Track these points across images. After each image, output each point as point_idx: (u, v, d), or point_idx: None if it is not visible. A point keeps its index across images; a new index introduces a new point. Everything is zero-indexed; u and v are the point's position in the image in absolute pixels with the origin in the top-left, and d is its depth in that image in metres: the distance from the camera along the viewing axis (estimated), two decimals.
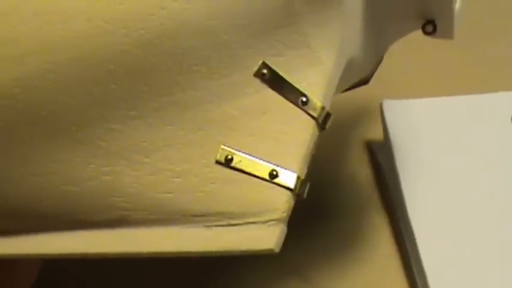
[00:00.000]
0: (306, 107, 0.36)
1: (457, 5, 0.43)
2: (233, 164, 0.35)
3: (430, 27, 0.43)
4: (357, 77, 0.45)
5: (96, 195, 0.36)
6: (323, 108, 0.37)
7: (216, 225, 0.36)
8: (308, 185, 0.37)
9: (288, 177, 0.36)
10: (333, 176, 0.57)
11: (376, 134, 0.58)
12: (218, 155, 0.35)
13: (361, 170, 0.58)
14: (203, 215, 0.36)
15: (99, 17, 0.33)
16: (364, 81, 0.46)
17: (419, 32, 0.44)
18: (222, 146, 0.35)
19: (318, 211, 0.54)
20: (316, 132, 0.37)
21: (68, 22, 0.33)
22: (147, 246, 0.36)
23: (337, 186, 0.56)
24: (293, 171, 0.36)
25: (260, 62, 0.35)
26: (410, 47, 0.52)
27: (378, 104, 0.57)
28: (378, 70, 0.47)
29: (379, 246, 0.52)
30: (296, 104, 0.36)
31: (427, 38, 0.44)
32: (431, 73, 0.66)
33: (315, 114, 0.36)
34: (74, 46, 0.33)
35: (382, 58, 0.46)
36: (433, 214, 0.49)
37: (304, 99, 0.36)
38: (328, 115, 0.37)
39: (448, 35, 0.44)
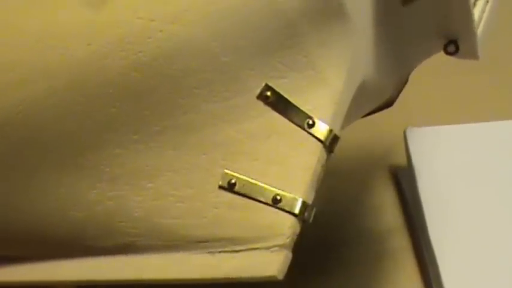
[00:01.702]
0: (312, 130, 0.35)
1: (482, 25, 0.42)
2: (236, 188, 0.35)
3: (452, 47, 0.42)
4: (378, 99, 0.43)
5: (102, 220, 0.36)
6: (330, 131, 0.36)
7: (220, 251, 0.35)
8: (314, 210, 0.35)
9: (293, 202, 0.35)
10: (358, 201, 0.56)
11: (401, 160, 0.58)
12: (221, 180, 0.35)
13: (385, 195, 0.57)
14: (207, 241, 0.35)
15: (98, 41, 0.33)
16: (389, 104, 0.45)
17: (442, 58, 0.43)
18: (225, 170, 0.35)
19: (342, 236, 0.53)
20: (324, 156, 0.36)
21: (69, 47, 0.33)
22: (152, 273, 0.36)
23: (362, 212, 0.56)
24: (298, 196, 0.35)
25: (263, 84, 0.35)
26: (433, 74, 0.52)
27: (402, 131, 0.57)
28: (401, 97, 0.46)
29: (402, 271, 0.51)
30: (302, 127, 0.35)
31: (450, 65, 0.43)
32: (455, 100, 0.66)
33: (321, 137, 0.35)
34: (73, 70, 0.33)
35: (407, 80, 0.45)
36: (456, 240, 0.48)
37: (310, 121, 0.35)
38: (335, 138, 0.36)
39: (472, 54, 0.42)
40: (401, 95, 0.46)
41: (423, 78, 0.49)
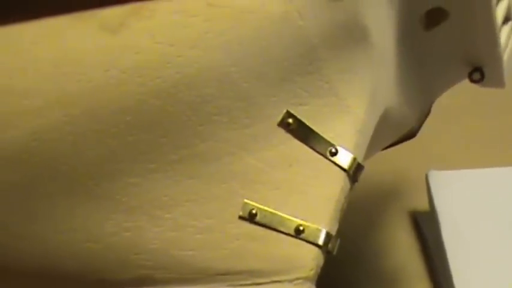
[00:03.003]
0: (335, 159, 0.34)
1: (507, 52, 0.41)
2: (257, 219, 0.34)
3: (477, 74, 0.41)
4: (400, 130, 0.42)
5: (118, 252, 0.35)
6: (354, 159, 0.34)
7: (240, 285, 0.34)
8: (339, 241, 0.34)
9: (316, 233, 0.33)
10: (377, 246, 0.55)
11: (420, 204, 0.57)
12: (241, 210, 0.34)
13: (405, 239, 0.57)
14: (227, 274, 0.34)
15: (115, 66, 0.32)
16: (410, 135, 0.44)
17: (465, 100, 0.42)
18: (246, 200, 0.34)
19: (361, 280, 0.52)
20: (348, 185, 0.35)
21: (85, 73, 0.32)
22: None
23: (381, 256, 0.55)
24: (321, 227, 0.33)
25: (284, 111, 0.34)
26: (455, 116, 0.51)
27: (422, 174, 0.56)
28: (422, 140, 0.45)
29: None
30: (324, 156, 0.34)
31: (473, 107, 0.42)
32: (477, 143, 0.65)
33: (345, 166, 0.34)
34: (90, 97, 0.32)
35: (429, 111, 0.44)
36: (480, 286, 0.47)
37: (333, 150, 0.34)
38: (359, 167, 0.35)
39: (498, 82, 0.41)
40: (421, 137, 0.46)
41: (444, 119, 0.48)
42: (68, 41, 0.33)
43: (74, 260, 0.35)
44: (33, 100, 0.33)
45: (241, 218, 0.34)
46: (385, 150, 0.45)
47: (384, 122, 0.38)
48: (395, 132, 0.42)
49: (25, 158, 0.33)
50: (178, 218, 0.34)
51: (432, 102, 0.44)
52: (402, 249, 0.56)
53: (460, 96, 0.44)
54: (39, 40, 0.33)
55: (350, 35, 0.34)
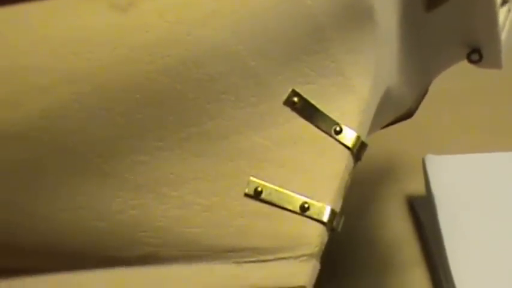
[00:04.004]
0: (339, 137, 0.35)
1: (503, 34, 0.42)
2: (263, 196, 0.34)
3: (476, 55, 0.41)
4: (399, 109, 0.43)
5: (125, 230, 0.35)
6: (358, 137, 0.35)
7: (246, 262, 0.34)
8: (343, 219, 0.35)
9: (321, 210, 0.34)
10: (372, 230, 0.56)
11: (417, 189, 0.57)
12: (247, 188, 0.34)
13: (401, 224, 0.57)
14: (233, 251, 0.34)
15: (125, 45, 0.32)
16: (409, 114, 0.44)
17: (463, 85, 0.42)
18: (251, 178, 0.34)
19: (356, 266, 0.52)
20: (351, 163, 0.35)
21: (94, 51, 0.32)
22: (174, 285, 0.35)
23: (377, 240, 0.55)
24: (326, 204, 0.34)
25: (290, 90, 0.34)
26: (453, 100, 0.51)
27: (419, 158, 0.56)
28: (419, 124, 0.45)
29: None
30: (329, 134, 0.35)
31: (470, 93, 0.42)
32: (474, 128, 0.65)
33: (349, 144, 0.35)
34: (99, 75, 0.32)
35: (426, 91, 0.44)
36: (478, 272, 0.47)
37: (337, 128, 0.35)
38: (363, 145, 0.35)
39: (496, 64, 0.42)
40: (418, 121, 0.46)
41: (440, 104, 0.48)
42: (77, 19, 0.33)
43: (80, 237, 0.35)
44: (42, 78, 0.33)
45: (246, 195, 0.34)
46: (381, 134, 0.45)
47: (385, 101, 0.38)
48: (393, 112, 0.43)
49: (33, 135, 0.33)
50: (185, 195, 0.34)
51: (430, 83, 0.44)
52: (398, 233, 0.56)
53: (458, 81, 0.44)
54: (48, 18, 0.33)
55: (357, 15, 0.34)
